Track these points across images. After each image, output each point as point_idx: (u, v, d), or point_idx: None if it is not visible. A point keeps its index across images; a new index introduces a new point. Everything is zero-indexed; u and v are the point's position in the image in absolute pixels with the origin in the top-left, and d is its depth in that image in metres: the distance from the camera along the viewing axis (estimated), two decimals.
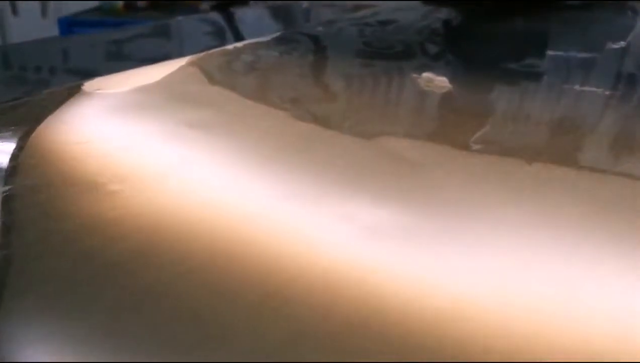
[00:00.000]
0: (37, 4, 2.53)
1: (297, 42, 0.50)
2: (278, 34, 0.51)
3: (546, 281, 0.20)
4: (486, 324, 0.18)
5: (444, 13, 0.70)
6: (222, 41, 0.68)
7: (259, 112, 0.33)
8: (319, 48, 0.50)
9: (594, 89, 0.41)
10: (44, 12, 2.61)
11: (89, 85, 0.35)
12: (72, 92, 0.34)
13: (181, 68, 0.38)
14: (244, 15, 0.83)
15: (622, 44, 0.57)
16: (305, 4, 0.89)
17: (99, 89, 0.34)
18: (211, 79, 0.37)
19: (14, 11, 2.57)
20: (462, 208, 0.24)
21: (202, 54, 0.42)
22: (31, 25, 2.36)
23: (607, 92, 0.41)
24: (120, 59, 0.58)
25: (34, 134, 0.28)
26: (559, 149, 0.31)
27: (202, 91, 0.35)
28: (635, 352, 0.17)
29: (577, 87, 0.41)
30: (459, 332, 0.17)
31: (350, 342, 0.17)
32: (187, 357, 0.16)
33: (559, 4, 0.71)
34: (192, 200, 0.24)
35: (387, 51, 0.51)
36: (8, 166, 0.25)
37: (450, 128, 0.34)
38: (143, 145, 0.28)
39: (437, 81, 0.41)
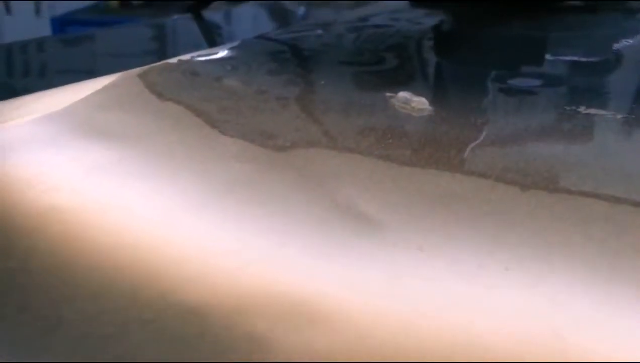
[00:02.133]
0: (31, 3, 2.48)
1: (258, 53, 0.43)
2: (236, 43, 0.44)
3: None
4: None
5: (437, 18, 0.64)
6: (217, 41, 0.64)
7: (182, 149, 0.27)
8: (279, 61, 0.43)
9: (603, 112, 0.34)
10: (37, 11, 2.57)
11: None
12: None
13: (103, 89, 0.32)
14: (240, 14, 0.78)
15: (628, 43, 0.50)
16: (301, 8, 0.84)
17: None
18: (135, 105, 0.30)
19: (8, 10, 2.52)
20: (431, 301, 0.18)
21: (134, 70, 0.35)
22: (25, 25, 2.32)
23: (619, 116, 0.34)
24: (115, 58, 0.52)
25: None
26: (561, 202, 0.24)
27: (120, 120, 0.29)
28: None
29: (582, 109, 0.35)
30: None
31: None
32: None
33: (560, 5, 0.64)
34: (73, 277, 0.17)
35: (363, 64, 0.44)
36: None
37: (425, 166, 0.28)
38: (34, 198, 0.22)
39: (414, 103, 0.35)
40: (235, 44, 0.44)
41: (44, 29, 2.17)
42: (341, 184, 0.25)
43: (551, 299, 0.18)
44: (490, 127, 0.33)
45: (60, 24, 2.18)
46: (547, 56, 0.49)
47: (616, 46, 0.51)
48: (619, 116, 0.34)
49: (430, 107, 0.35)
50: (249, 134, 0.29)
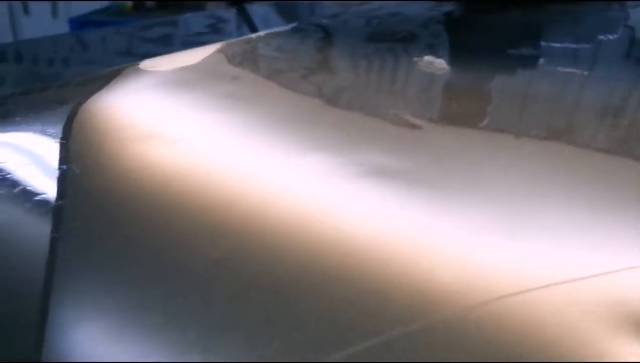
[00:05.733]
0: (48, 5, 2.59)
1: (310, 31, 0.56)
2: (294, 24, 0.57)
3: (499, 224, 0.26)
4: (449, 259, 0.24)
5: (446, 6, 0.76)
6: (227, 36, 0.73)
7: (280, 88, 0.39)
8: (330, 36, 0.56)
9: (574, 70, 0.47)
10: (54, 12, 2.67)
11: (143, 64, 0.41)
12: (127, 70, 0.40)
13: (215, 52, 0.45)
14: (252, 12, 0.89)
15: (612, 37, 0.62)
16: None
17: (151, 67, 0.41)
18: (239, 62, 0.43)
19: (26, 11, 2.63)
20: (449, 161, 0.30)
21: (230, 41, 0.48)
22: (43, 26, 2.42)
23: (586, 73, 0.46)
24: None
25: (85, 104, 0.35)
26: (531, 119, 0.37)
27: (233, 70, 0.41)
28: None
29: (560, 68, 0.47)
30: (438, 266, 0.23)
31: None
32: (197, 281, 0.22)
33: None
34: (232, 153, 0.30)
35: (392, 39, 0.57)
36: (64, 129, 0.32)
37: (445, 102, 0.40)
38: (192, 112, 0.34)
39: (436, 63, 0.47)
40: (292, 25, 0.56)
41: (62, 30, 2.29)
42: (391, 108, 0.38)
43: None
44: (492, 79, 0.46)
45: (79, 24, 2.30)
46: (536, 35, 0.61)
47: (594, 28, 0.63)
48: (585, 73, 0.47)
49: (448, 67, 0.47)
50: (318, 81, 0.42)
